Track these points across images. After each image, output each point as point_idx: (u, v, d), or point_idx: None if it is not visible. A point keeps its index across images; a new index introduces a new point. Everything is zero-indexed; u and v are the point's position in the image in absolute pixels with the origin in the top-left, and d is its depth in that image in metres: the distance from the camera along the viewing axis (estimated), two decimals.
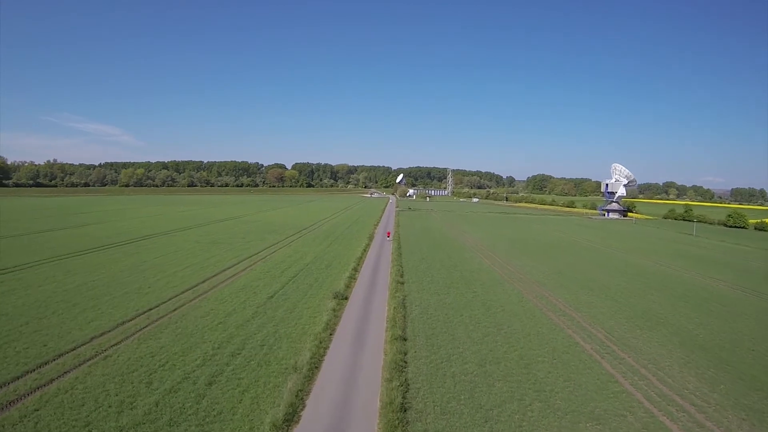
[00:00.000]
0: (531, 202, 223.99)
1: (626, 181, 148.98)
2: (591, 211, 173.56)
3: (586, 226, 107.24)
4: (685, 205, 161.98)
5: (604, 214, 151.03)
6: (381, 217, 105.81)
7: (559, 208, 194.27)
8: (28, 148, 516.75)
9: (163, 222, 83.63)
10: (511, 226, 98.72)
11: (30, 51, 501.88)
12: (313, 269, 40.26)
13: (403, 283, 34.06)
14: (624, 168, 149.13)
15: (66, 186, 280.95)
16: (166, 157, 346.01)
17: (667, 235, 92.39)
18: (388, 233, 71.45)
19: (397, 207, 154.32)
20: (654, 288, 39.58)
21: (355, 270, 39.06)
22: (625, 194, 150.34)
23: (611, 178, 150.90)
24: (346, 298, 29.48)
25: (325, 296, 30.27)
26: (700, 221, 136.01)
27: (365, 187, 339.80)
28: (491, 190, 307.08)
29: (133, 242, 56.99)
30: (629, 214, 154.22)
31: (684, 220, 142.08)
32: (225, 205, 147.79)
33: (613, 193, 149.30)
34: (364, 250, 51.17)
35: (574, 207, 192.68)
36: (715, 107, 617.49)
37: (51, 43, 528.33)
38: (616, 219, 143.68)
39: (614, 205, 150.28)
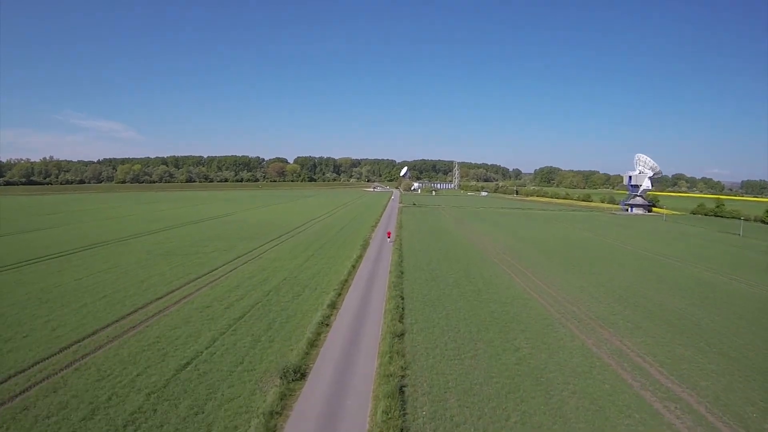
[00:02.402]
0: (543, 196, 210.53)
1: (651, 173, 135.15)
2: (611, 205, 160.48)
3: (615, 224, 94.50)
4: (716, 199, 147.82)
5: (627, 209, 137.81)
6: (381, 215, 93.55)
7: (575, 202, 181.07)
8: (37, 146, 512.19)
9: (130, 224, 72.16)
10: (531, 224, 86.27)
11: (32, 51, 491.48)
12: (273, 303, 28.25)
13: (402, 336, 21.90)
14: (649, 159, 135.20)
15: (61, 183, 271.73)
16: (170, 153, 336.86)
17: (712, 236, 79.52)
18: (389, 233, 60.06)
19: (400, 203, 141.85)
20: (764, 327, 27.33)
21: (333, 306, 26.87)
22: (650, 187, 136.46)
23: (635, 170, 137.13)
24: (304, 376, 17.43)
25: (268, 370, 18.17)
26: (734, 217, 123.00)
27: (368, 181, 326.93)
28: (500, 184, 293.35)
29: (71, 253, 45.67)
30: (654, 209, 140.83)
31: (716, 215, 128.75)
32: (215, 201, 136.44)
33: (637, 186, 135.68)
34: (354, 265, 39.07)
35: (591, 201, 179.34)
36: (717, 100, 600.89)
37: (53, 42, 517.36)
38: (642, 215, 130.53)
39: (638, 200, 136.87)
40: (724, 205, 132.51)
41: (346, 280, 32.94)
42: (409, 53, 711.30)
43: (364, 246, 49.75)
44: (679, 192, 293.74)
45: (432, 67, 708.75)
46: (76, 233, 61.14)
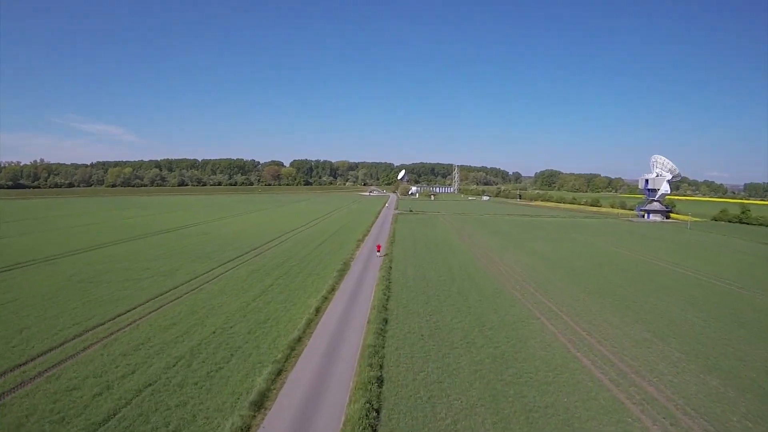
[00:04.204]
0: (548, 200, 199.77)
1: (670, 176, 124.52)
2: (625, 211, 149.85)
3: (639, 234, 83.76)
4: (741, 204, 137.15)
5: (644, 215, 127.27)
6: (372, 225, 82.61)
7: (583, 207, 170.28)
8: (38, 149, 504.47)
9: (78, 236, 61.42)
10: (545, 235, 75.49)
11: (33, 51, 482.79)
12: (173, 387, 17.37)
13: None
14: (667, 160, 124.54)
15: (49, 187, 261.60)
16: (170, 156, 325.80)
17: (756, 249, 68.76)
18: (378, 246, 50.72)
19: (395, 209, 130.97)
20: None
21: (261, 402, 15.63)
22: (669, 191, 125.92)
23: (651, 173, 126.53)
24: None
25: None
26: (762, 224, 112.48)
27: (364, 185, 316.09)
28: (501, 187, 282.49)
29: None
30: (672, 215, 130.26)
31: (740, 222, 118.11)
32: (193, 207, 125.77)
33: (654, 191, 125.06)
34: (320, 307, 28.11)
35: (600, 206, 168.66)
36: (717, 100, 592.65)
37: (53, 42, 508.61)
38: (661, 221, 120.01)
39: (655, 205, 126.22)
40: (749, 210, 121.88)
41: (300, 339, 22.06)
42: (409, 54, 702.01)
43: (343, 271, 38.75)
44: (686, 196, 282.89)
45: (432, 67, 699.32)
46: (3, 249, 50.54)
